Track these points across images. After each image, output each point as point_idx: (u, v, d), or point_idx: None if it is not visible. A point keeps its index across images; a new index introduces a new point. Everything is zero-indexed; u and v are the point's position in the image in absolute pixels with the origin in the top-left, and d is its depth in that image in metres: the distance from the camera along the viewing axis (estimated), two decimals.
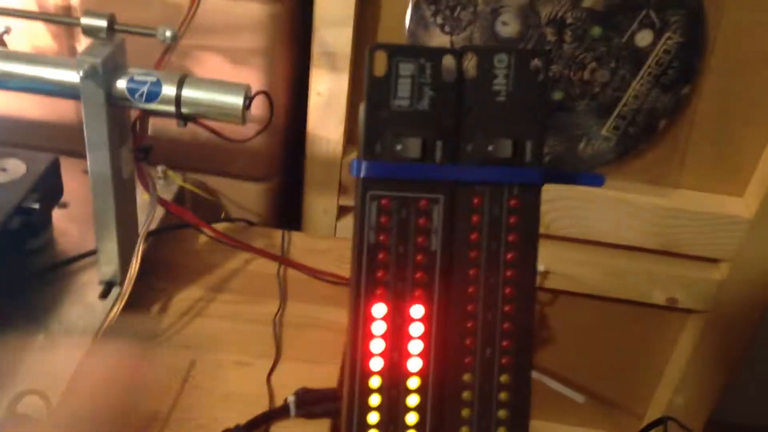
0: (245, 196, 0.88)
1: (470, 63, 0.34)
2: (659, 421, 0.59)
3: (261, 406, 0.64)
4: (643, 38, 0.78)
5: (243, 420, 0.62)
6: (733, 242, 0.86)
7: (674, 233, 0.87)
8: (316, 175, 0.87)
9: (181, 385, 0.66)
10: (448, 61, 0.34)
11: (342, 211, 0.90)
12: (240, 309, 0.74)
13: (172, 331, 0.71)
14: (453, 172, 0.34)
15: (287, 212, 0.94)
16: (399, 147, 0.34)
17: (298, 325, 0.73)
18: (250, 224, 0.85)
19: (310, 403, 0.64)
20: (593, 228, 0.88)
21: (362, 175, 0.34)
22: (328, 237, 0.90)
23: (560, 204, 0.85)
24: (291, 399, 0.63)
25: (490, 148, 0.34)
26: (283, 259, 0.79)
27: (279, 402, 0.64)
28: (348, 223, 0.91)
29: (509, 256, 0.35)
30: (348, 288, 0.76)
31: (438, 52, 0.34)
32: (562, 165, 0.81)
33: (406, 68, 0.34)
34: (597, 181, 0.37)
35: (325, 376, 0.68)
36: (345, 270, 0.80)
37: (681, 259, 0.90)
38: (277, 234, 0.84)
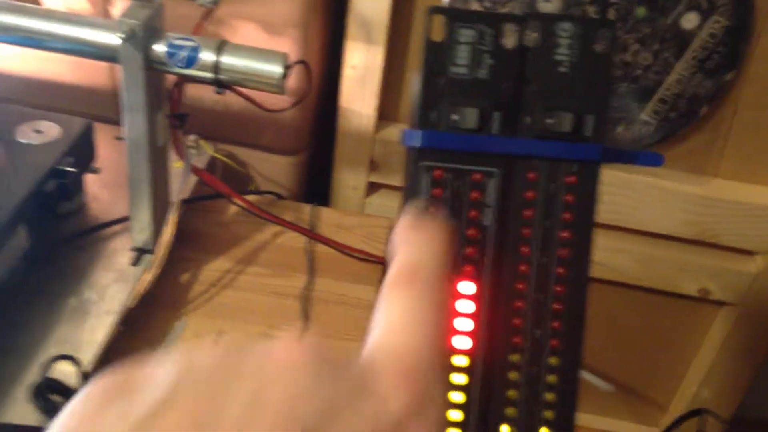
0: (274, 168, 0.88)
1: (532, 31, 0.33)
2: (695, 412, 0.58)
3: None
4: (689, 21, 0.76)
5: None
6: None
7: (710, 223, 0.85)
8: (346, 151, 0.86)
9: None
10: (510, 27, 0.33)
11: (371, 187, 0.89)
12: (268, 282, 0.74)
13: (201, 300, 0.71)
14: (510, 145, 0.33)
15: (316, 187, 0.93)
16: (455, 117, 0.32)
17: (325, 300, 0.73)
18: (279, 197, 0.85)
19: None
20: (627, 214, 0.86)
21: (417, 144, 0.33)
22: (356, 213, 0.89)
23: None
24: None
25: (549, 121, 0.33)
26: (313, 234, 0.79)
27: None
28: (378, 200, 0.90)
29: (564, 235, 0.34)
30: (378, 266, 0.76)
31: (500, 18, 0.33)
32: None
33: (466, 34, 0.32)
34: (656, 161, 0.35)
35: (352, 352, 0.67)
36: (373, 247, 0.79)
37: (715, 250, 0.88)
38: (306, 208, 0.83)
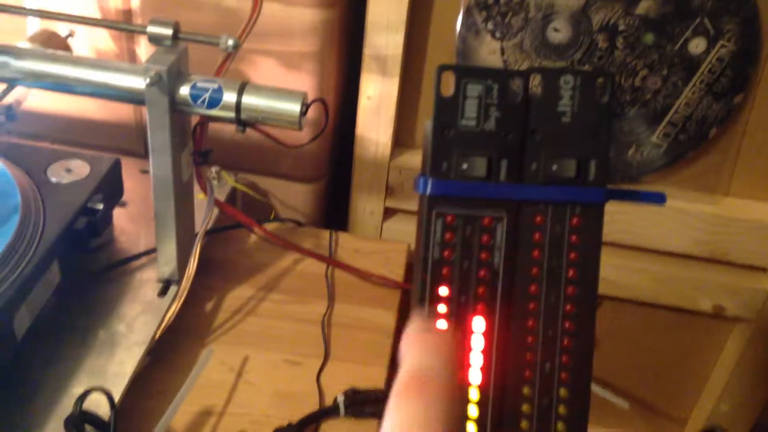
0: (294, 196, 0.90)
1: (535, 83, 0.35)
2: (710, 430, 0.59)
3: (311, 405, 0.66)
4: (697, 46, 0.77)
5: (294, 418, 0.64)
6: None
7: (723, 241, 0.87)
8: (363, 177, 0.88)
9: (235, 381, 0.68)
10: (514, 82, 0.35)
11: (387, 212, 0.91)
12: (289, 308, 0.76)
13: (225, 327, 0.73)
14: (517, 192, 0.35)
15: (334, 213, 0.95)
16: (465, 166, 0.35)
17: (345, 325, 0.75)
18: (299, 225, 0.87)
19: (359, 403, 0.65)
20: (641, 234, 0.87)
21: (429, 192, 0.35)
22: (374, 239, 0.91)
23: (608, 209, 0.85)
24: (341, 399, 0.65)
25: (554, 167, 0.35)
26: (332, 261, 0.81)
27: (328, 401, 0.66)
28: (394, 224, 0.92)
29: (570, 273, 0.36)
30: (396, 291, 0.78)
31: (505, 74, 0.35)
32: (611, 171, 0.81)
33: (474, 89, 0.35)
34: (659, 199, 0.37)
35: (372, 376, 0.69)
36: (391, 272, 0.82)
37: (729, 267, 0.89)
38: (325, 234, 0.85)
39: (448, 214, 0.35)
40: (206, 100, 0.60)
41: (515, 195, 0.35)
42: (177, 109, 0.61)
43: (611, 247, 0.88)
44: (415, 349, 0.27)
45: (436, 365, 0.26)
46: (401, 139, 0.88)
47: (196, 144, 0.66)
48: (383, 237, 0.92)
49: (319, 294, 0.78)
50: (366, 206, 0.91)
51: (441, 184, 0.35)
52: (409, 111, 0.86)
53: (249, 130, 0.64)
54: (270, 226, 0.84)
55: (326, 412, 0.65)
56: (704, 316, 0.93)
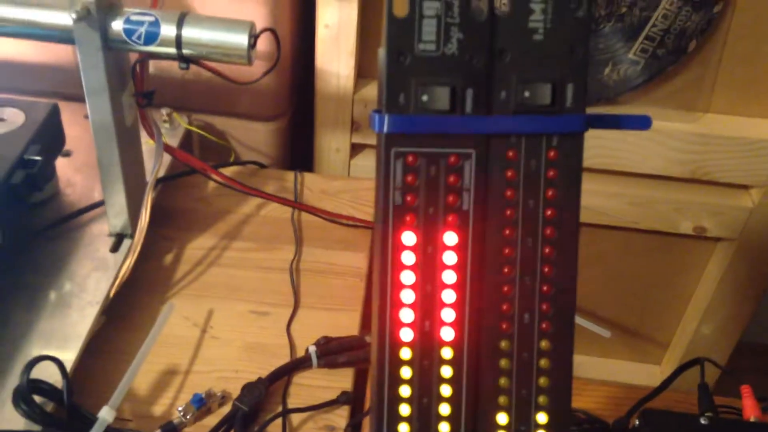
0: (254, 137, 0.85)
1: None
2: (694, 362, 0.57)
3: (282, 357, 0.63)
4: None
5: (264, 371, 0.60)
6: (765, 167, 0.82)
7: (703, 160, 0.83)
8: (327, 113, 0.83)
9: (200, 336, 0.64)
10: None
11: (355, 149, 0.87)
12: (254, 256, 0.72)
13: (187, 280, 0.69)
14: (485, 124, 0.31)
15: (298, 152, 0.90)
16: (425, 98, 0.30)
17: (315, 271, 0.71)
18: (261, 167, 0.82)
19: (332, 352, 0.62)
20: (619, 158, 0.84)
21: (386, 130, 0.30)
22: (342, 177, 0.87)
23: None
24: (312, 349, 0.62)
25: (526, 94, 0.31)
26: (297, 204, 0.77)
27: (300, 352, 0.63)
28: (362, 161, 0.87)
29: (548, 213, 0.32)
30: (368, 231, 0.74)
31: None
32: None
33: (431, 7, 0.30)
34: (644, 124, 0.33)
35: (345, 323, 0.66)
36: (361, 211, 0.77)
37: (710, 187, 0.86)
38: (290, 176, 0.81)
39: (408, 153, 0.31)
40: (142, 35, 0.54)
41: (484, 128, 0.31)
42: (111, 47, 0.55)
43: (586, 172, 0.84)
44: None
45: None
46: (364, 69, 0.82)
47: (137, 84, 0.60)
48: (351, 175, 0.88)
49: (286, 239, 0.74)
50: (331, 144, 0.86)
51: (399, 120, 0.30)
52: (371, 39, 0.80)
53: (196, 67, 0.58)
54: (230, 170, 0.79)
55: (298, 364, 0.62)
56: (685, 238, 0.91)
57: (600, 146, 0.83)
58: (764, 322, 1.03)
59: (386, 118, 0.30)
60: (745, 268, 0.91)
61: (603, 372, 1.04)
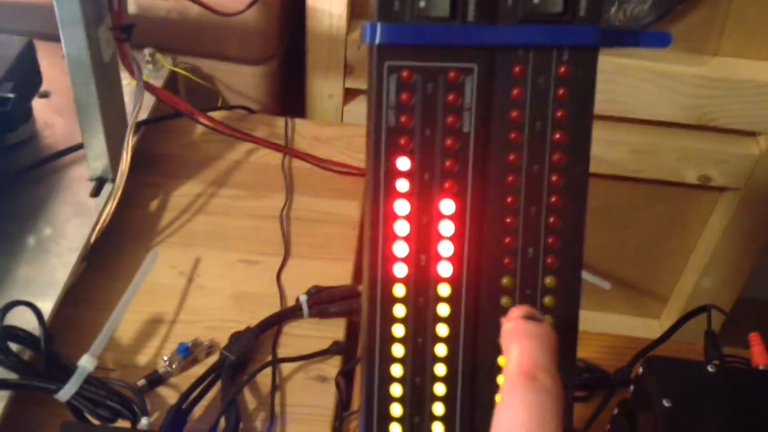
0: (243, 81, 0.81)
1: None
2: (701, 309, 0.55)
3: (271, 306, 0.60)
4: None
5: (253, 321, 0.58)
6: None
7: (710, 105, 0.80)
8: (318, 56, 0.80)
9: (186, 285, 0.62)
10: None
11: (349, 94, 0.83)
12: (243, 204, 0.69)
13: (173, 228, 0.66)
14: (489, 34, 0.27)
15: (289, 98, 0.87)
16: (422, 3, 0.27)
17: (306, 219, 0.68)
18: (250, 112, 0.79)
19: (323, 302, 0.60)
20: (621, 102, 0.81)
21: (377, 41, 0.27)
22: (334, 123, 0.84)
23: None
24: (303, 299, 0.59)
25: (535, 0, 0.27)
26: (288, 149, 0.74)
27: (290, 302, 0.61)
28: (356, 107, 0.84)
29: (557, 136, 0.29)
30: (362, 179, 0.71)
31: None
32: None
33: None
34: (663, 40, 0.30)
35: (337, 273, 0.63)
36: (354, 159, 0.74)
37: (716, 134, 0.83)
38: (280, 122, 0.77)
39: (403, 67, 0.28)
40: None
41: (487, 39, 0.28)
42: None
43: None
44: (521, 341, 0.27)
45: (542, 359, 0.26)
46: (358, 8, 0.78)
47: (115, 17, 0.56)
48: (344, 121, 0.84)
49: (276, 187, 0.71)
50: (324, 88, 0.82)
51: (392, 30, 0.27)
52: None
53: (183, 3, 0.55)
54: (217, 115, 0.76)
55: (288, 313, 0.59)
56: (689, 187, 0.88)
57: (601, 90, 0.79)
58: (766, 278, 1.01)
59: (378, 26, 0.27)
60: (750, 219, 0.88)
61: (602, 326, 1.02)
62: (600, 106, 0.79)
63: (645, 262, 0.97)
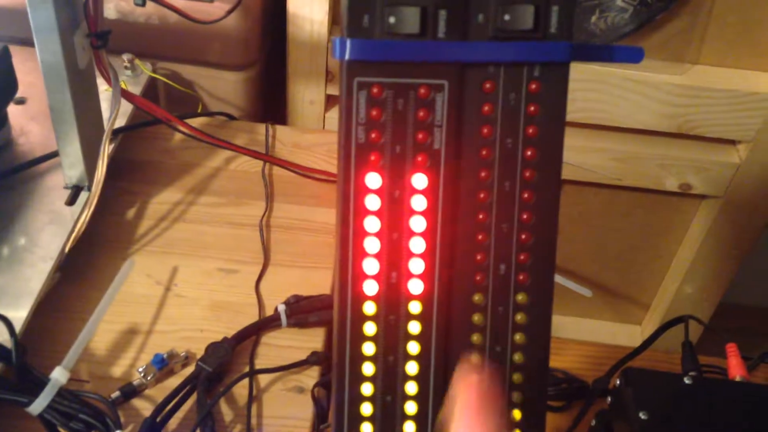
0: (223, 86, 0.81)
1: None
2: (678, 320, 0.55)
3: (250, 316, 0.60)
4: None
5: (231, 331, 0.57)
6: (754, 121, 0.79)
7: (691, 114, 0.80)
8: (299, 62, 0.79)
9: (163, 294, 0.61)
10: None
11: (330, 100, 0.83)
12: (223, 212, 0.68)
13: (151, 236, 0.66)
14: (460, 51, 0.27)
15: (271, 103, 0.86)
16: (392, 19, 0.27)
17: (286, 227, 0.68)
18: (231, 118, 0.78)
19: (302, 311, 0.59)
20: (602, 111, 0.81)
21: (347, 57, 0.27)
22: (315, 130, 0.83)
23: None
24: (282, 308, 0.59)
25: (506, 17, 0.27)
26: (268, 157, 0.73)
27: (269, 311, 0.60)
28: (337, 114, 0.84)
29: (528, 153, 0.29)
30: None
31: None
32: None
33: None
34: (635, 56, 0.30)
35: (316, 282, 0.63)
36: (335, 166, 0.74)
37: (697, 142, 0.84)
38: (261, 128, 0.77)
39: (373, 84, 0.27)
40: None
41: (458, 55, 0.27)
42: None
43: (568, 126, 0.81)
44: (470, 391, 0.28)
45: (489, 407, 0.28)
46: (339, 15, 0.78)
47: (91, 24, 0.55)
48: (326, 128, 0.84)
49: (256, 194, 0.70)
50: (305, 94, 0.82)
51: (362, 45, 0.27)
52: None
53: (162, 8, 0.54)
54: (197, 121, 0.75)
55: (267, 323, 0.59)
56: (669, 195, 0.88)
57: (582, 99, 0.79)
58: (746, 282, 1.01)
59: (348, 42, 0.27)
60: (730, 226, 0.89)
61: (583, 332, 1.02)
62: (581, 114, 0.80)
63: (626, 268, 0.98)
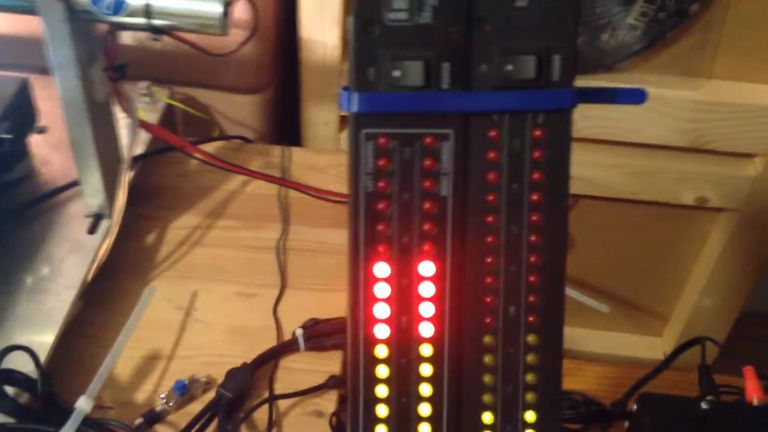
0: (239, 110, 0.82)
1: None
2: (695, 341, 0.55)
3: (268, 340, 0.60)
4: None
5: (250, 356, 0.58)
6: None
7: (705, 128, 0.80)
8: (313, 84, 0.80)
9: (184, 319, 0.62)
10: None
11: (344, 121, 0.84)
12: (240, 235, 0.69)
13: (170, 261, 0.67)
14: (464, 101, 0.28)
15: (286, 125, 0.87)
16: (397, 73, 0.27)
17: (302, 250, 0.69)
18: (246, 141, 0.79)
19: (320, 335, 0.60)
20: (617, 127, 0.81)
21: (355, 109, 0.28)
22: (329, 151, 0.84)
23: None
24: (299, 332, 0.60)
25: (508, 67, 0.28)
26: (284, 181, 0.74)
27: (287, 335, 0.61)
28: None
29: (534, 197, 0.29)
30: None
31: None
32: (583, 60, 0.73)
33: None
34: (638, 98, 0.31)
35: (333, 304, 0.64)
36: None
37: (712, 156, 0.83)
38: (276, 151, 0.78)
39: (380, 135, 0.28)
40: (109, 5, 0.51)
41: (462, 106, 0.28)
42: (77, 18, 0.52)
43: (583, 142, 0.81)
44: None
45: None
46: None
47: (108, 57, 0.57)
48: (341, 148, 0.85)
49: (272, 217, 0.71)
50: (319, 116, 0.83)
51: (368, 98, 0.28)
52: None
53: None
54: (213, 145, 0.76)
55: (285, 348, 0.60)
56: (686, 209, 0.88)
57: (597, 116, 0.79)
58: (766, 290, 1.01)
59: (354, 95, 0.27)
60: (748, 239, 0.88)
61: (603, 345, 1.02)
62: (596, 131, 0.80)
63: (645, 281, 0.97)
